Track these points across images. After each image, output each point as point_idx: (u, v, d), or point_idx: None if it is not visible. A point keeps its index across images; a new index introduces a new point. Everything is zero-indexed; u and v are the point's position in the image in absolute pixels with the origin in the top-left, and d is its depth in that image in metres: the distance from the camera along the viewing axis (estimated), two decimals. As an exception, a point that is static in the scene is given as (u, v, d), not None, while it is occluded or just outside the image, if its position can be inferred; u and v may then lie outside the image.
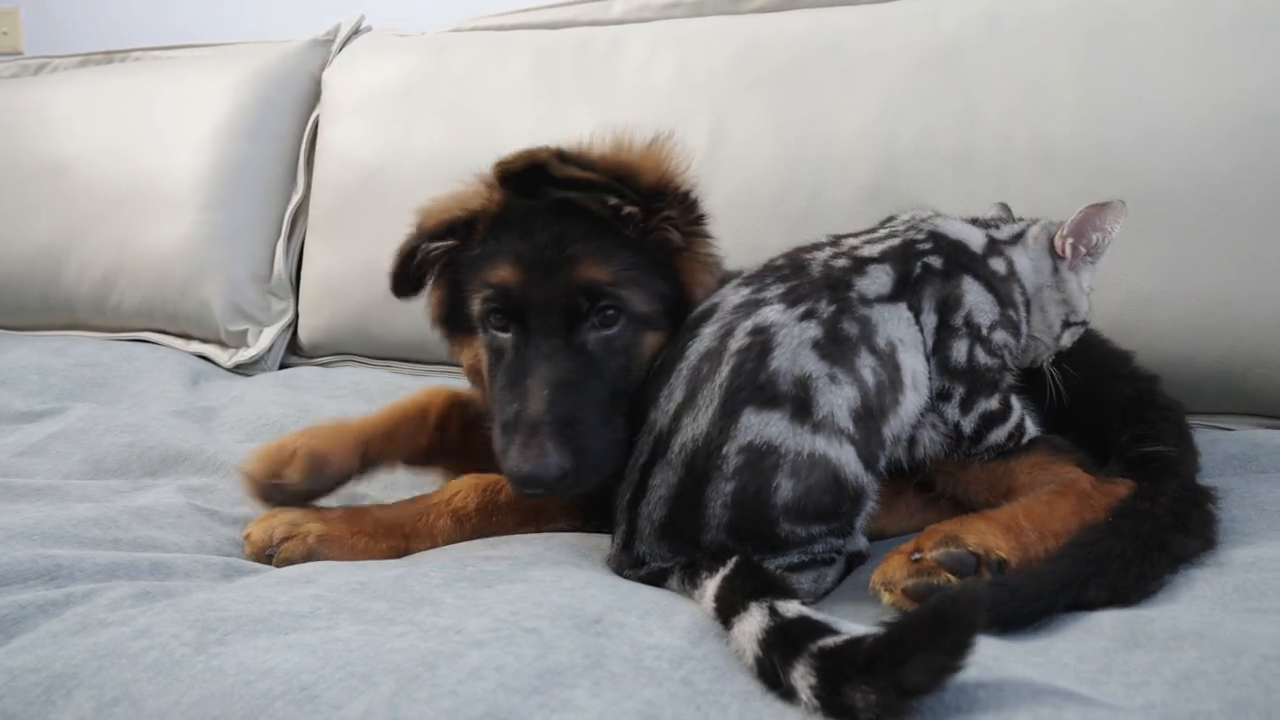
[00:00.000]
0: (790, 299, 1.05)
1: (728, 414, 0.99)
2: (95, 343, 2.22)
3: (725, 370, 1.01)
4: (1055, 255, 1.21)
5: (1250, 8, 1.60)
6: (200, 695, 0.72)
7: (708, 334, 1.05)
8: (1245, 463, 1.36)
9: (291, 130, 2.40)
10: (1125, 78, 1.64)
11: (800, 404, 0.98)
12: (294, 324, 2.33)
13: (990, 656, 0.79)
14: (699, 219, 1.17)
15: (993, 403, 1.13)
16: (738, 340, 1.02)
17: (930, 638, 0.70)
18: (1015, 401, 1.16)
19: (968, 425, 1.12)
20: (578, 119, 2.00)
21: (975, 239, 1.18)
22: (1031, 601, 0.91)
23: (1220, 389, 1.60)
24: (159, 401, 1.87)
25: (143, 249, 2.33)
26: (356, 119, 2.25)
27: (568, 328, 1.10)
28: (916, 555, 0.98)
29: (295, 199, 2.37)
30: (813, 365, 1.00)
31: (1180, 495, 1.10)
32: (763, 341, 1.01)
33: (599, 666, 0.77)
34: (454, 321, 1.22)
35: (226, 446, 1.50)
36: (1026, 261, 1.20)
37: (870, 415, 1.01)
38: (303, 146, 2.39)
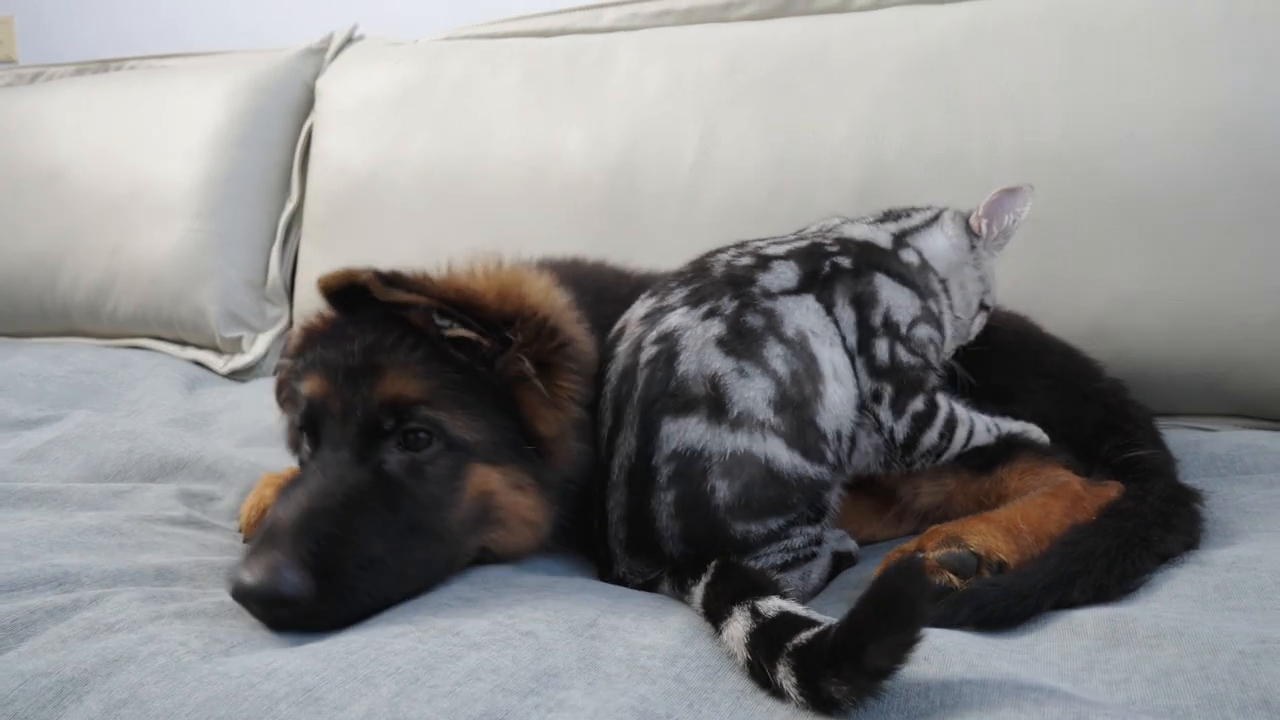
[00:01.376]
0: (693, 300, 1.05)
1: (648, 426, 0.99)
2: (92, 349, 2.23)
3: (640, 384, 1.01)
4: (972, 234, 1.25)
5: (1228, 13, 1.62)
6: (206, 696, 0.74)
7: (621, 353, 1.06)
8: (1229, 464, 1.38)
9: (285, 138, 2.42)
10: (1106, 82, 1.66)
11: (714, 403, 0.98)
12: (289, 330, 2.35)
13: (976, 654, 0.81)
14: (558, 348, 1.04)
15: (918, 403, 1.11)
16: (646, 352, 1.03)
17: (883, 618, 0.73)
18: (940, 397, 1.14)
19: (900, 431, 1.10)
20: (569, 126, 2.02)
21: (881, 237, 1.21)
22: (1020, 600, 0.92)
23: (1203, 390, 1.61)
24: (156, 408, 1.88)
25: (138, 256, 2.34)
26: (350, 127, 2.26)
27: (363, 442, 0.97)
28: (919, 554, 0.99)
29: (289, 206, 2.39)
30: (719, 363, 0.99)
31: (1167, 494, 1.11)
32: (669, 347, 1.01)
33: (593, 667, 0.79)
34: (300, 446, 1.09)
35: (224, 452, 1.51)
36: (944, 240, 1.23)
37: (793, 404, 1.00)
38: (296, 154, 2.41)
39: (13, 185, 2.51)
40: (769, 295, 1.06)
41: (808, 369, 1.03)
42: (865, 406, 1.10)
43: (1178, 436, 1.43)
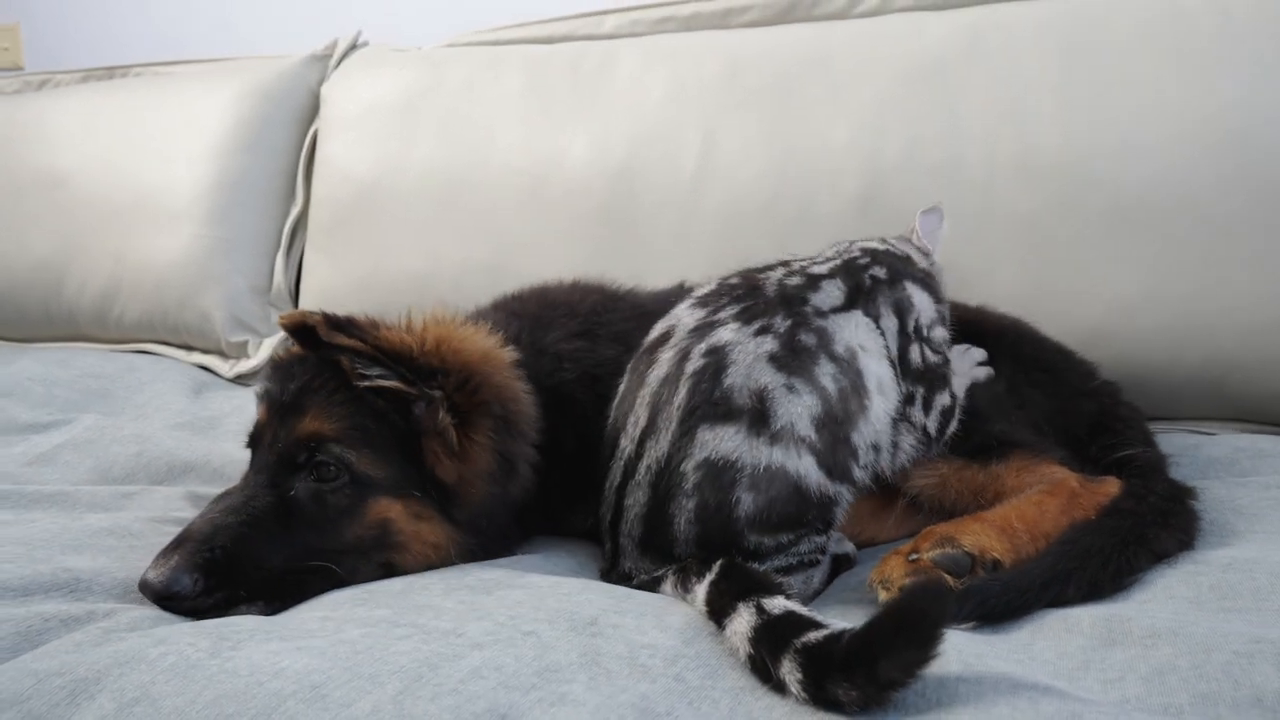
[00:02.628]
0: (745, 317, 1.07)
1: (684, 433, 1.01)
2: (98, 354, 2.24)
3: (682, 392, 1.03)
4: (922, 253, 1.30)
5: (1226, 21, 1.63)
6: (215, 694, 0.75)
7: (665, 359, 1.07)
8: (1226, 466, 1.39)
9: (290, 144, 2.42)
10: (1105, 90, 1.66)
11: (757, 415, 1.00)
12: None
13: (973, 653, 0.82)
14: (479, 405, 1.12)
15: (944, 397, 1.17)
16: (694, 362, 1.04)
17: (901, 634, 0.74)
18: (959, 389, 1.20)
19: (933, 426, 1.16)
20: (571, 133, 2.03)
21: (894, 248, 1.25)
22: (1017, 597, 0.94)
23: (1201, 394, 1.62)
24: (163, 411, 1.89)
25: (143, 262, 2.35)
26: (354, 133, 2.27)
27: (278, 471, 1.08)
28: (914, 555, 1.00)
29: (294, 212, 2.40)
30: (768, 378, 1.01)
31: (1167, 493, 1.13)
32: (717, 360, 1.03)
33: (594, 664, 0.81)
34: None
35: (230, 455, 1.53)
36: (916, 254, 1.28)
37: (835, 422, 1.03)
38: (301, 160, 2.41)
39: (19, 191, 2.52)
40: (820, 314, 1.09)
41: (854, 385, 1.06)
42: (902, 409, 1.13)
43: (1177, 439, 1.44)
